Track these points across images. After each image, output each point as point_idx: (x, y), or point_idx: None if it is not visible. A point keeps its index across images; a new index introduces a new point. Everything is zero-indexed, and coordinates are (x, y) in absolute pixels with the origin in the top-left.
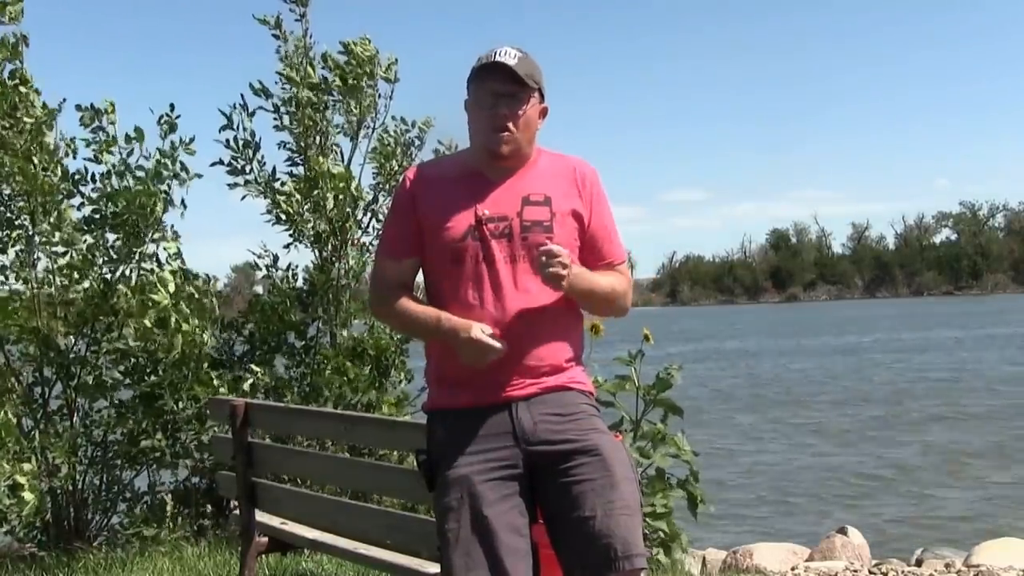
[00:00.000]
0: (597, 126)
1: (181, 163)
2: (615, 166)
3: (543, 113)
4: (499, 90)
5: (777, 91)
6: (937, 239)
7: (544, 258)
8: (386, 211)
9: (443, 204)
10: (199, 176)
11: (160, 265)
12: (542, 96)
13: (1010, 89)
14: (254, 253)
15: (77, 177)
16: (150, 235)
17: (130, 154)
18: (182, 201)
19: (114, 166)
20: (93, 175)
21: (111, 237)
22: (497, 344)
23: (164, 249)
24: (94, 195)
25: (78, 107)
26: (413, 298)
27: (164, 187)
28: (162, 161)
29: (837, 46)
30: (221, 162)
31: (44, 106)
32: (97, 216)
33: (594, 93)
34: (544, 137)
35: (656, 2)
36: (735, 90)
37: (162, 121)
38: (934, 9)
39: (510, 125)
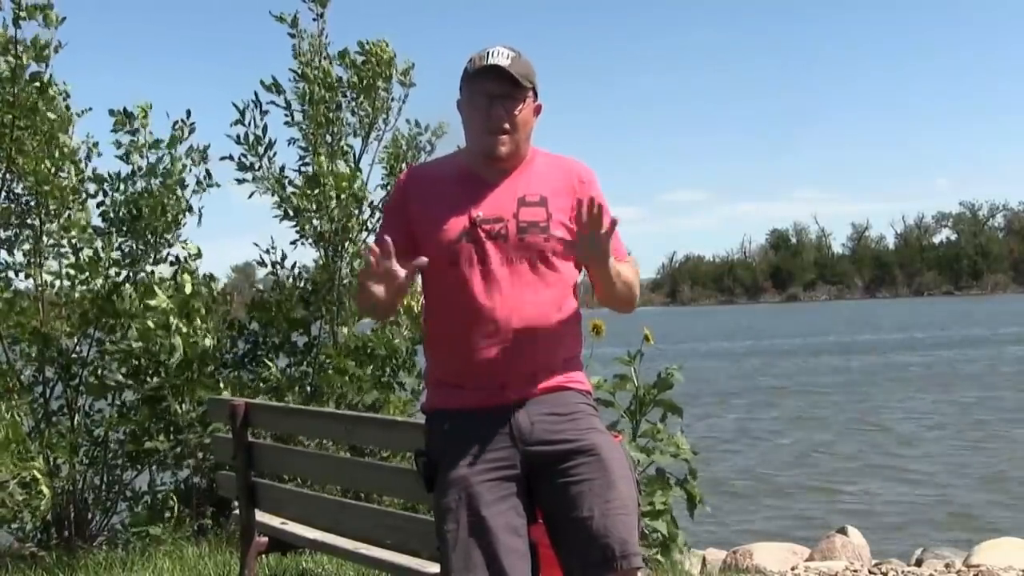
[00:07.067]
0: (597, 126)
1: (207, 170)
2: (616, 166)
3: (537, 111)
4: (494, 91)
5: (777, 91)
6: (937, 239)
7: (591, 214)
8: None
9: (438, 206)
10: (218, 185)
11: (181, 265)
12: (536, 94)
13: (1010, 89)
14: (260, 248)
15: (103, 178)
16: (167, 239)
17: (160, 160)
18: (199, 209)
19: (140, 168)
20: (118, 175)
21: (118, 240)
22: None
23: (184, 248)
24: (118, 196)
25: (111, 112)
26: None
27: (187, 194)
28: (184, 165)
29: (837, 46)
30: (231, 157)
31: (67, 108)
32: (112, 217)
33: (594, 93)
34: (543, 137)
35: (656, 2)
36: (735, 90)
37: (177, 127)
38: (934, 10)
39: (507, 126)
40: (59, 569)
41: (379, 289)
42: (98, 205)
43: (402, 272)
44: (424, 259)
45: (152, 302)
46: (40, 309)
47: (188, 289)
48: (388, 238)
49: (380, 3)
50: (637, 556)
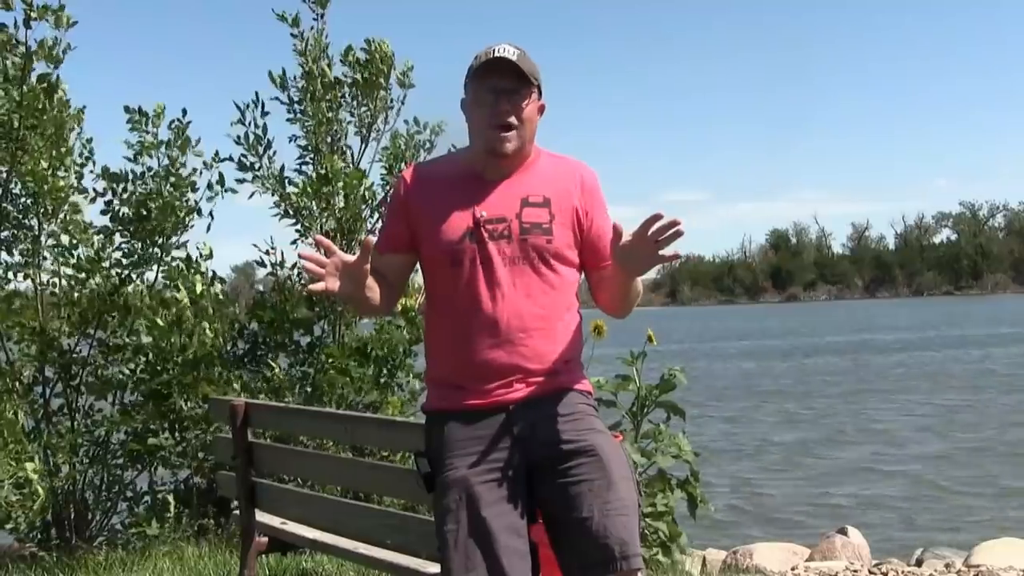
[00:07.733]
0: (596, 126)
1: (220, 174)
2: (614, 166)
3: (541, 110)
4: (500, 86)
5: (777, 91)
6: (937, 239)
7: (665, 231)
8: None
9: (440, 206)
10: (234, 192)
11: (191, 264)
12: (540, 93)
13: (1010, 88)
14: (260, 250)
15: (115, 176)
16: (174, 239)
17: (174, 162)
18: (210, 212)
19: (150, 169)
20: (125, 175)
21: (119, 239)
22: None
23: (198, 248)
24: (124, 198)
25: (127, 109)
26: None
27: (196, 196)
28: (193, 169)
29: (837, 46)
30: (231, 158)
31: (67, 104)
32: (118, 217)
33: (593, 93)
34: (542, 136)
35: (655, 2)
36: (735, 90)
37: (173, 126)
38: (933, 9)
39: (512, 121)
40: (59, 569)
41: (337, 285)
42: (107, 203)
43: (351, 258)
44: (372, 238)
45: (178, 295)
46: (39, 309)
47: (199, 288)
48: (319, 237)
49: (378, 6)
50: (637, 557)
